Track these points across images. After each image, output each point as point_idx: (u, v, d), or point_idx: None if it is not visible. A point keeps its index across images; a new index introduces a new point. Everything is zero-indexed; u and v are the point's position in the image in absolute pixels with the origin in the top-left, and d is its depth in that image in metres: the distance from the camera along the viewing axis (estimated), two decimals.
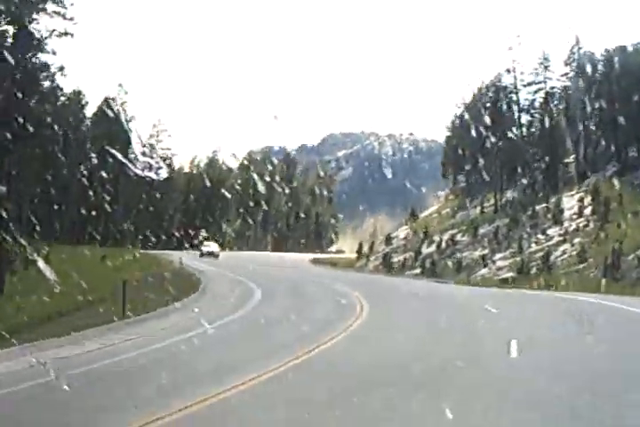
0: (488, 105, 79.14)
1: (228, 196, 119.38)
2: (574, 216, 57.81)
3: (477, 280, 51.98)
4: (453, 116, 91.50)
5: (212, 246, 75.98)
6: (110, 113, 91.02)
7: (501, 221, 65.86)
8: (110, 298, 26.98)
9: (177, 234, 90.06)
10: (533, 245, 56.92)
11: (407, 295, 35.58)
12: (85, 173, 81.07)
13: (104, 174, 75.66)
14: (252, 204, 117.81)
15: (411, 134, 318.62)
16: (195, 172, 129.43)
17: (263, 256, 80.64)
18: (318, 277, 48.16)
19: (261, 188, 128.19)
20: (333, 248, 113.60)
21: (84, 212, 71.91)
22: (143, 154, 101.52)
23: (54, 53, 48.73)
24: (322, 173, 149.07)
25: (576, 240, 51.53)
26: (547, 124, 75.14)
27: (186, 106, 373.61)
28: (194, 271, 45.10)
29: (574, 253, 48.62)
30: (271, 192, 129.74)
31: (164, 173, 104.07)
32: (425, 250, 66.60)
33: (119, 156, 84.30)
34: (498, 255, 57.89)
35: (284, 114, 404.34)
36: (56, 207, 69.51)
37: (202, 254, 70.51)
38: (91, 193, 73.53)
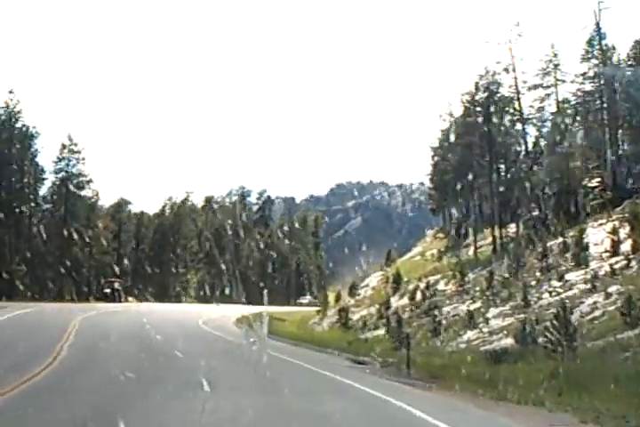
0: (480, 119, 61.34)
1: (190, 241, 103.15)
2: (606, 254, 39.46)
3: (456, 350, 33.63)
4: (439, 132, 73.79)
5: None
6: None
7: (500, 264, 47.82)
8: None
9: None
10: (545, 296, 38.63)
11: None
12: None
13: None
14: (217, 250, 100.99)
15: (421, 184, 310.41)
16: (157, 213, 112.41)
17: (172, 313, 62.43)
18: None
19: (230, 233, 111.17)
20: (306, 299, 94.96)
21: None
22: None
23: None
24: (310, 219, 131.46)
25: (612, 289, 33.08)
26: (558, 137, 57.46)
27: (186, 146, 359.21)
28: None
29: (611, 307, 30.15)
30: (243, 238, 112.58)
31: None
32: (395, 303, 48.38)
33: None
34: (493, 311, 39.55)
35: (291, 164, 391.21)
36: None
37: None
38: None
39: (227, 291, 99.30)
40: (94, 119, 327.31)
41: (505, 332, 34.76)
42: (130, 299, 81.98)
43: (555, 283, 39.79)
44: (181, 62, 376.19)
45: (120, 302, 74.97)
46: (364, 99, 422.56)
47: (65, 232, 79.54)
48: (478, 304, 41.97)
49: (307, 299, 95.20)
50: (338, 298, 55.74)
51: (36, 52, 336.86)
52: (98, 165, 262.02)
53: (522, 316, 36.48)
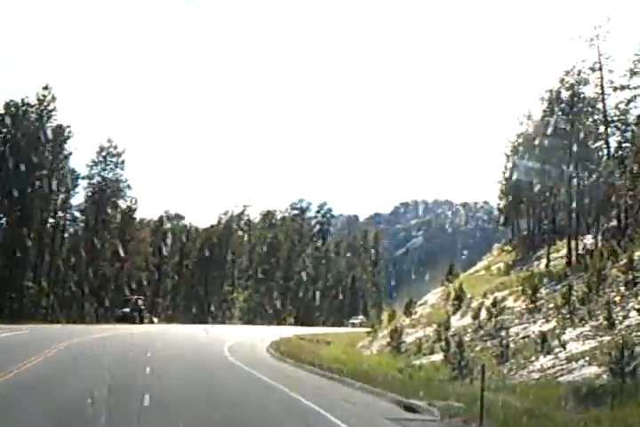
0: (561, 117, 55.19)
1: (240, 257, 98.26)
2: None
3: (528, 381, 27.60)
4: (515, 137, 67.64)
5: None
6: None
7: (578, 278, 41.53)
8: None
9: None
10: (632, 314, 32.34)
11: None
12: None
13: None
14: (267, 268, 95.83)
15: (485, 203, 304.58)
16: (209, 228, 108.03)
17: (197, 337, 55.08)
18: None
19: (284, 250, 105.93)
20: (358, 319, 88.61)
21: None
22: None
23: None
24: (370, 236, 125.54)
25: None
26: None
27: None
28: None
29: None
30: (297, 253, 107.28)
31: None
32: (455, 322, 42.33)
33: None
34: (570, 332, 33.28)
35: (356, 181, 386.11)
36: None
37: None
38: None
39: (274, 310, 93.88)
40: (147, 126, 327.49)
41: (587, 358, 28.55)
42: (155, 319, 75.73)
43: None
44: (246, 70, 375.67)
45: (142, 322, 68.73)
46: (427, 116, 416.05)
47: (97, 245, 74.34)
48: (552, 324, 35.74)
49: (359, 319, 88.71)
50: (391, 318, 49.75)
51: (75, 49, 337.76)
52: (147, 177, 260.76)
53: (606, 338, 30.36)
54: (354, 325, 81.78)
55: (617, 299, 34.73)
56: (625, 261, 39.05)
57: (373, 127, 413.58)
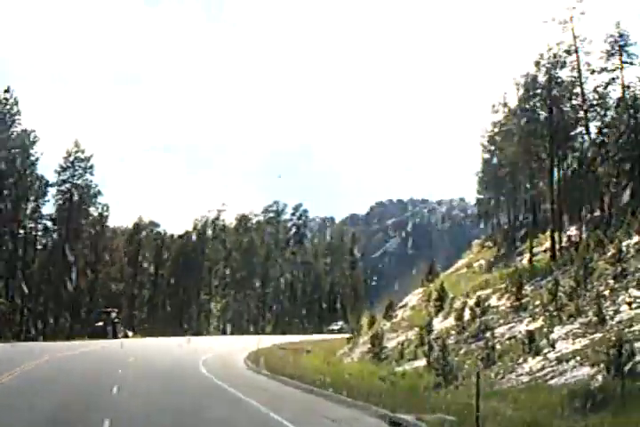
0: (538, 104, 53.41)
1: (216, 265, 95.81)
2: None
3: (518, 385, 25.62)
4: (491, 125, 65.80)
5: None
6: None
7: (563, 272, 39.66)
8: None
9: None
10: (624, 308, 30.43)
11: None
12: None
13: None
14: (244, 275, 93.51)
15: (462, 200, 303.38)
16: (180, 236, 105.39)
17: (173, 351, 52.43)
18: None
19: (260, 255, 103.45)
20: (338, 325, 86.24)
21: None
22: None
23: None
24: (346, 239, 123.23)
25: None
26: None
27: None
28: None
29: None
30: (274, 258, 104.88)
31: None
32: (438, 325, 40.28)
33: None
34: (559, 330, 31.31)
35: (329, 183, 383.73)
36: None
37: None
38: None
39: (253, 319, 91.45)
40: (117, 130, 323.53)
41: (578, 358, 26.57)
42: (129, 333, 72.92)
43: (635, 292, 31.65)
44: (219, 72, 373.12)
45: (116, 336, 65.87)
46: (400, 113, 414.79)
47: (69, 256, 71.45)
48: (539, 323, 33.74)
49: (339, 325, 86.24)
50: (372, 322, 47.55)
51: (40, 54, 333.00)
52: (120, 184, 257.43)
53: (597, 335, 28.43)
54: (333, 331, 79.49)
55: (606, 293, 32.86)
56: (612, 251, 37.28)
57: (345, 127, 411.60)
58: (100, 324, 68.13)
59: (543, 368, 27.47)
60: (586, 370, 24.56)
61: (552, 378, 25.74)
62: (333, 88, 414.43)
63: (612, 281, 34.25)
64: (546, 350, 29.27)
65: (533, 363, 28.59)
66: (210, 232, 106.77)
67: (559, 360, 27.46)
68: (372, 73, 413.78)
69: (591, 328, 29.58)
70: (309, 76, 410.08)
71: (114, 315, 70.53)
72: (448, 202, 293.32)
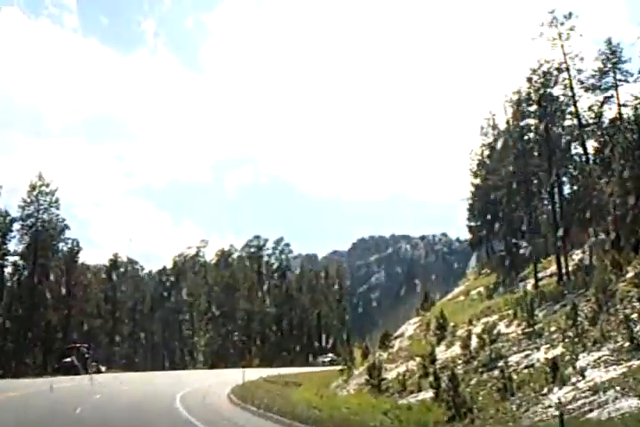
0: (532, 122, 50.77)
1: (196, 300, 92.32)
2: None
3: (547, 420, 22.15)
4: (480, 149, 63.10)
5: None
6: None
7: (577, 296, 36.36)
8: None
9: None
10: None
11: None
12: None
13: None
14: (226, 310, 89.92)
15: (443, 235, 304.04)
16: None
17: (148, 386, 48.09)
18: None
19: (243, 289, 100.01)
20: (327, 358, 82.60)
21: None
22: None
23: None
24: (331, 272, 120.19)
25: None
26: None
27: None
28: None
29: None
30: (257, 292, 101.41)
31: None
32: (441, 354, 36.75)
33: None
34: (586, 358, 27.91)
35: (313, 221, 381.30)
36: None
37: None
38: None
39: (239, 352, 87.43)
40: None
41: (617, 388, 23.19)
42: (102, 368, 68.72)
43: None
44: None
45: (87, 372, 61.58)
46: (383, 143, 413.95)
47: (39, 291, 67.63)
48: (559, 350, 30.35)
49: (328, 357, 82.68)
50: (366, 354, 43.95)
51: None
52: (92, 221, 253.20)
53: (635, 362, 25.06)
54: (325, 363, 76.04)
55: (634, 316, 29.55)
56: (632, 274, 34.13)
57: (325, 162, 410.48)
58: (69, 360, 64.09)
59: (575, 400, 24.01)
60: (633, 402, 21.13)
61: (590, 411, 22.24)
62: (312, 120, 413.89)
63: (637, 304, 31.02)
64: (574, 380, 25.90)
65: (561, 394, 25.14)
66: (190, 268, 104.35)
67: (593, 391, 24.03)
68: (349, 102, 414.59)
69: (624, 355, 26.26)
70: (282, 111, 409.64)
71: (84, 350, 66.61)
72: (431, 237, 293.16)
